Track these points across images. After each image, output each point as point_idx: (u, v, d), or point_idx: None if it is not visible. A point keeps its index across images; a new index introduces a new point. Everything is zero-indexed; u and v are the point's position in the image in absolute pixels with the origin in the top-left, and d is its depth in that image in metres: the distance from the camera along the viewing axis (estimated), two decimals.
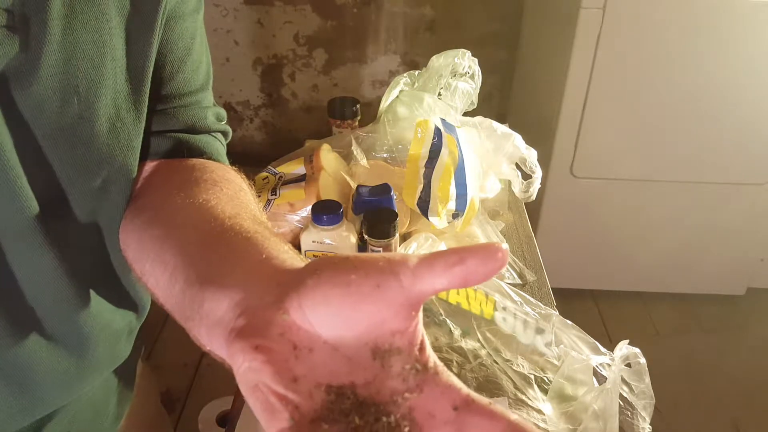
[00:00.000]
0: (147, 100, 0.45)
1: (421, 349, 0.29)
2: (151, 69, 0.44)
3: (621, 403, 0.65)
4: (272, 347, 0.27)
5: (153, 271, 0.39)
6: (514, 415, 0.26)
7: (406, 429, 0.27)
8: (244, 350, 0.27)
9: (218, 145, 0.54)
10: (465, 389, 0.27)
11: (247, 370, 0.27)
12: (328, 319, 0.28)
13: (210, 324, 0.31)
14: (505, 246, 0.27)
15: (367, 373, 0.28)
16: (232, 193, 0.45)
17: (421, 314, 0.29)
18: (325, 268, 0.28)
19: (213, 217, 0.40)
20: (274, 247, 0.35)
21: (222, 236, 0.38)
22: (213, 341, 0.31)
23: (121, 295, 0.52)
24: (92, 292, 0.47)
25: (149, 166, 0.49)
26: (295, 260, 0.34)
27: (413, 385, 0.28)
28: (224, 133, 0.56)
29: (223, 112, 0.56)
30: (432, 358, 0.29)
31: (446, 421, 0.27)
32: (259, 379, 0.27)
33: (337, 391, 0.27)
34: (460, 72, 0.99)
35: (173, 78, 0.48)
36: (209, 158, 0.51)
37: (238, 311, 0.30)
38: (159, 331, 1.81)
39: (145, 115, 0.45)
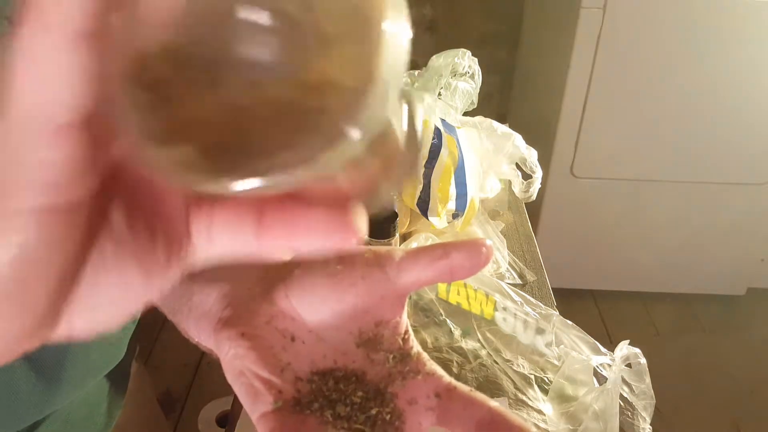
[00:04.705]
0: None
1: (405, 338, 0.29)
2: None
3: (621, 403, 0.65)
4: (258, 334, 0.28)
5: None
6: (494, 402, 0.26)
7: (389, 416, 0.27)
8: (230, 337, 0.28)
9: None
10: (447, 377, 0.28)
11: (233, 357, 0.27)
12: (314, 309, 0.28)
13: (198, 316, 0.31)
14: (489, 242, 0.27)
15: (351, 362, 0.29)
16: None
17: (406, 305, 0.30)
18: (312, 260, 0.29)
19: None
20: None
21: None
22: (201, 332, 0.31)
23: None
24: None
25: None
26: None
27: (396, 373, 0.28)
28: None
29: None
30: (415, 347, 0.29)
31: (428, 408, 0.27)
32: (244, 365, 0.27)
33: (321, 378, 0.28)
34: (460, 72, 0.99)
35: None
36: None
37: (225, 302, 0.30)
38: (158, 331, 1.81)
39: None
